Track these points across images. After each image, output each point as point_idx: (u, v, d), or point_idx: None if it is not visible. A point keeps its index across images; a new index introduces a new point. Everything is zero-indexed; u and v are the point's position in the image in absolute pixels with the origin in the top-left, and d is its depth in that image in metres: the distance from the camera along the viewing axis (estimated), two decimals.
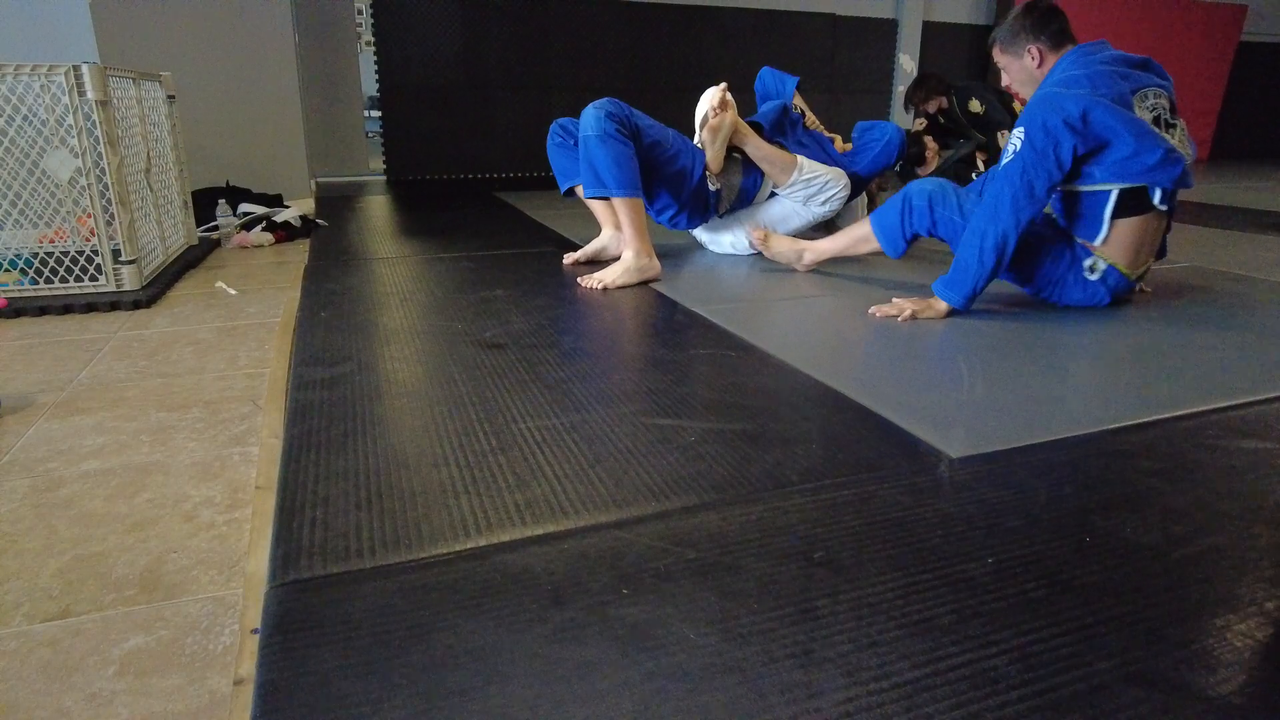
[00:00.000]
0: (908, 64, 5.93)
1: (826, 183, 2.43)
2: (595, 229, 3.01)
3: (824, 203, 2.45)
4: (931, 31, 5.97)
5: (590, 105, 2.16)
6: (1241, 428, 1.24)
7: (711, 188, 2.40)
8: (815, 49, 5.62)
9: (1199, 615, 0.78)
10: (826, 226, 2.65)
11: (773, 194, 2.49)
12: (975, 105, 4.36)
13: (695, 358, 1.53)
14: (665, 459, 1.09)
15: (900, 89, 5.94)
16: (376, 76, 4.70)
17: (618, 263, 2.15)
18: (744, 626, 0.75)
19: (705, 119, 2.36)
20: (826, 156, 2.57)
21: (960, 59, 6.17)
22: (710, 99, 2.35)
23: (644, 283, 2.14)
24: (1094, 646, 0.73)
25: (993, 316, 1.86)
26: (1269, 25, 7.16)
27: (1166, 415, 1.28)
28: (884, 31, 5.83)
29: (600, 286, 2.07)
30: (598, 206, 2.42)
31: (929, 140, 3.89)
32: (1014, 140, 1.72)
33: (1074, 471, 1.08)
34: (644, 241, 2.16)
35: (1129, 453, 1.15)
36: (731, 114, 2.34)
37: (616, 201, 2.16)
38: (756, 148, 2.40)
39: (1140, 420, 1.26)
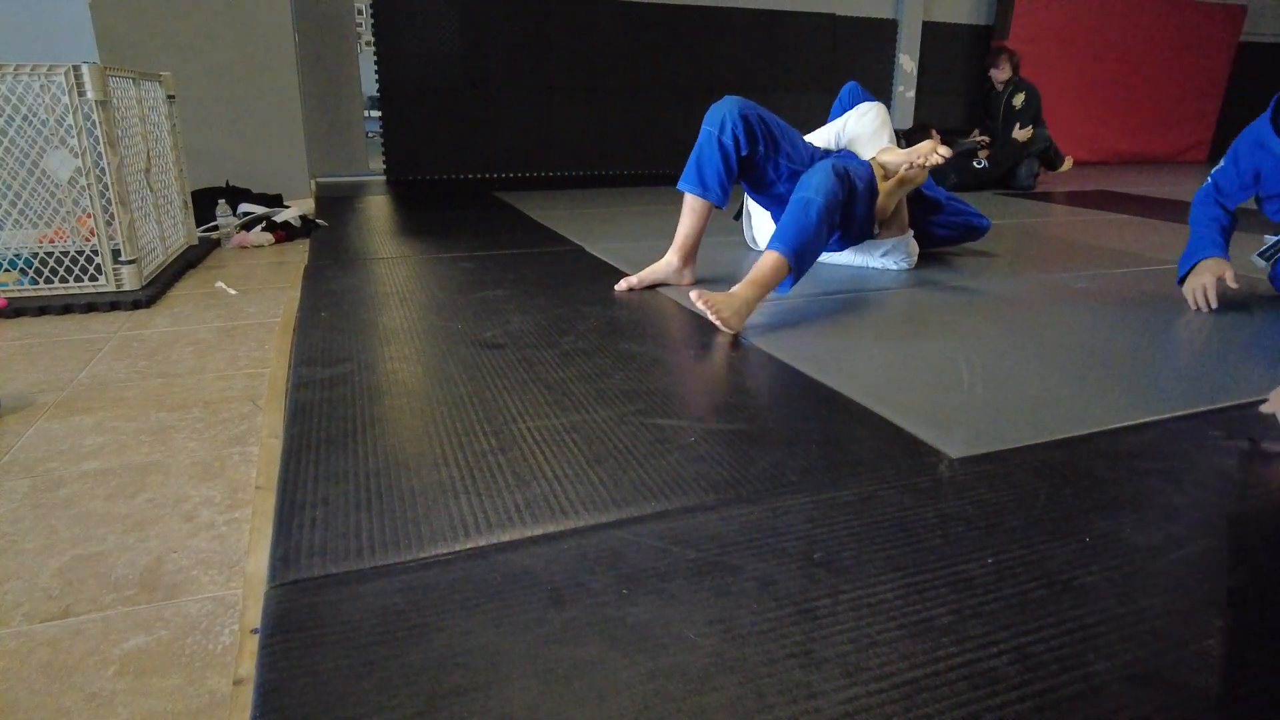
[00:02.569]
0: (908, 64, 5.92)
1: (909, 251, 2.35)
2: (595, 230, 3.02)
3: (892, 258, 2.35)
4: (931, 31, 5.96)
5: (826, 165, 1.88)
6: (1241, 428, 1.24)
7: (875, 231, 2.24)
8: (815, 49, 5.62)
9: (1199, 615, 0.78)
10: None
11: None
12: (1019, 100, 4.60)
13: (695, 358, 1.53)
14: (665, 459, 1.09)
15: (900, 89, 5.94)
16: (376, 76, 4.70)
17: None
18: (744, 626, 0.75)
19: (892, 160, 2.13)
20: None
21: (960, 59, 6.17)
22: (927, 149, 2.02)
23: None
24: (1094, 646, 0.73)
25: (992, 316, 1.86)
26: (1269, 25, 7.15)
27: (1166, 415, 1.28)
28: (884, 31, 5.82)
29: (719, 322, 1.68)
30: (688, 230, 2.07)
31: (934, 133, 3.92)
32: None
33: (1074, 471, 1.08)
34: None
35: (1129, 453, 1.15)
36: (923, 176, 2.14)
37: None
38: (902, 208, 2.26)
39: (1140, 420, 1.26)
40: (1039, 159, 4.71)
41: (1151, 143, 6.92)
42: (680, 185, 2.07)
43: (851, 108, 2.46)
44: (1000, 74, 4.74)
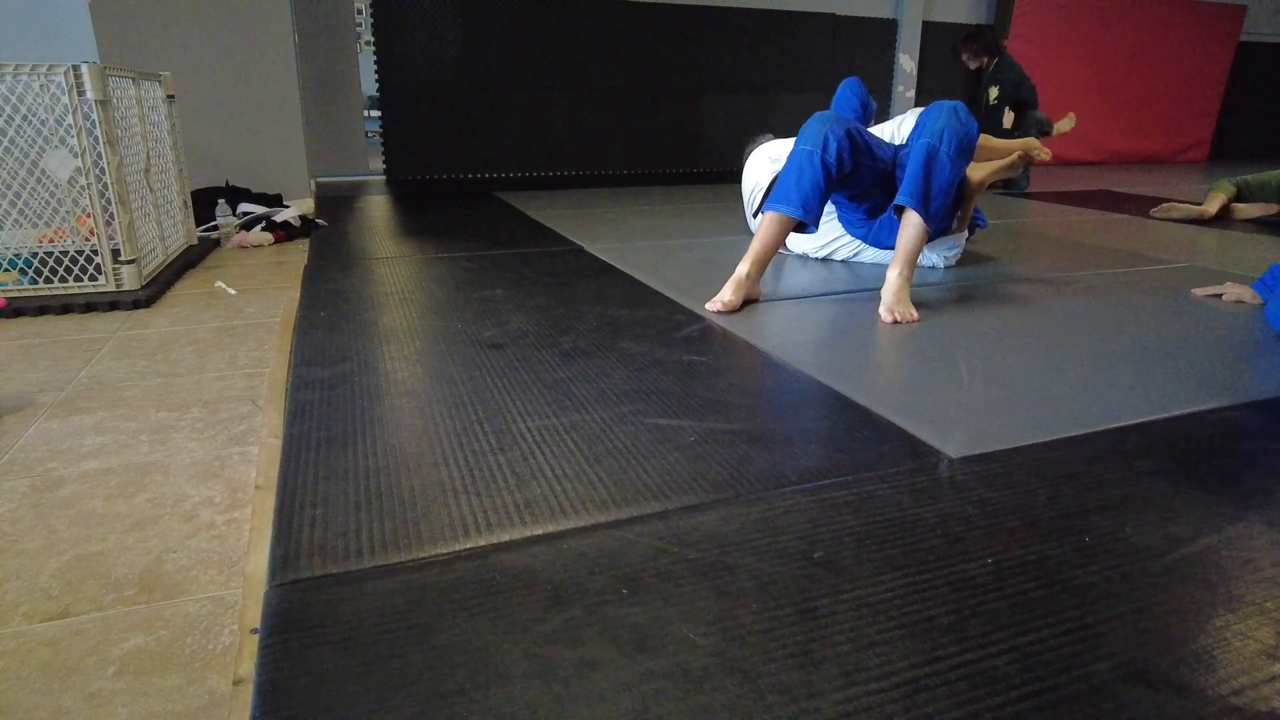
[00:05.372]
0: (907, 64, 5.92)
1: (961, 247, 2.38)
2: (595, 230, 3.01)
3: (939, 253, 2.37)
4: (931, 31, 5.96)
5: (949, 106, 1.88)
6: (1241, 428, 1.24)
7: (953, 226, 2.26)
8: (815, 49, 5.62)
9: (1199, 615, 0.78)
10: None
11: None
12: (994, 94, 4.54)
13: (696, 358, 1.53)
14: (665, 459, 1.09)
15: (900, 89, 5.94)
16: (376, 76, 4.69)
17: (893, 290, 1.85)
18: (744, 626, 0.75)
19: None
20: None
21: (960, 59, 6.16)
22: (1035, 145, 2.13)
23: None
24: (1094, 646, 0.73)
25: (992, 316, 1.86)
26: (1269, 25, 7.15)
27: (1166, 415, 1.28)
28: (884, 31, 5.82)
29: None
30: (771, 247, 1.94)
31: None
32: None
33: (1074, 471, 1.08)
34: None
35: (1129, 453, 1.15)
36: (1020, 168, 2.21)
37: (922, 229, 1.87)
38: (971, 203, 2.25)
39: (1140, 420, 1.26)
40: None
41: (1151, 143, 6.92)
42: (772, 207, 1.93)
43: (851, 101, 2.46)
44: (972, 62, 4.66)
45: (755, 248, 1.94)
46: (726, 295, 1.87)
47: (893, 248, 2.26)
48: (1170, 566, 0.86)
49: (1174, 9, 6.60)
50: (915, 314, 1.81)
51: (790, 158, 1.94)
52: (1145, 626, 0.76)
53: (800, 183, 1.90)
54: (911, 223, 1.88)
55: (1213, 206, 3.42)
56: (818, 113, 1.98)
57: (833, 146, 1.88)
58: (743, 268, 1.93)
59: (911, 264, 1.89)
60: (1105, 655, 0.72)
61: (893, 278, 1.87)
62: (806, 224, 1.93)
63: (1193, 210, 3.45)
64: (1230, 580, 0.84)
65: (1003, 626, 0.75)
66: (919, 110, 2.36)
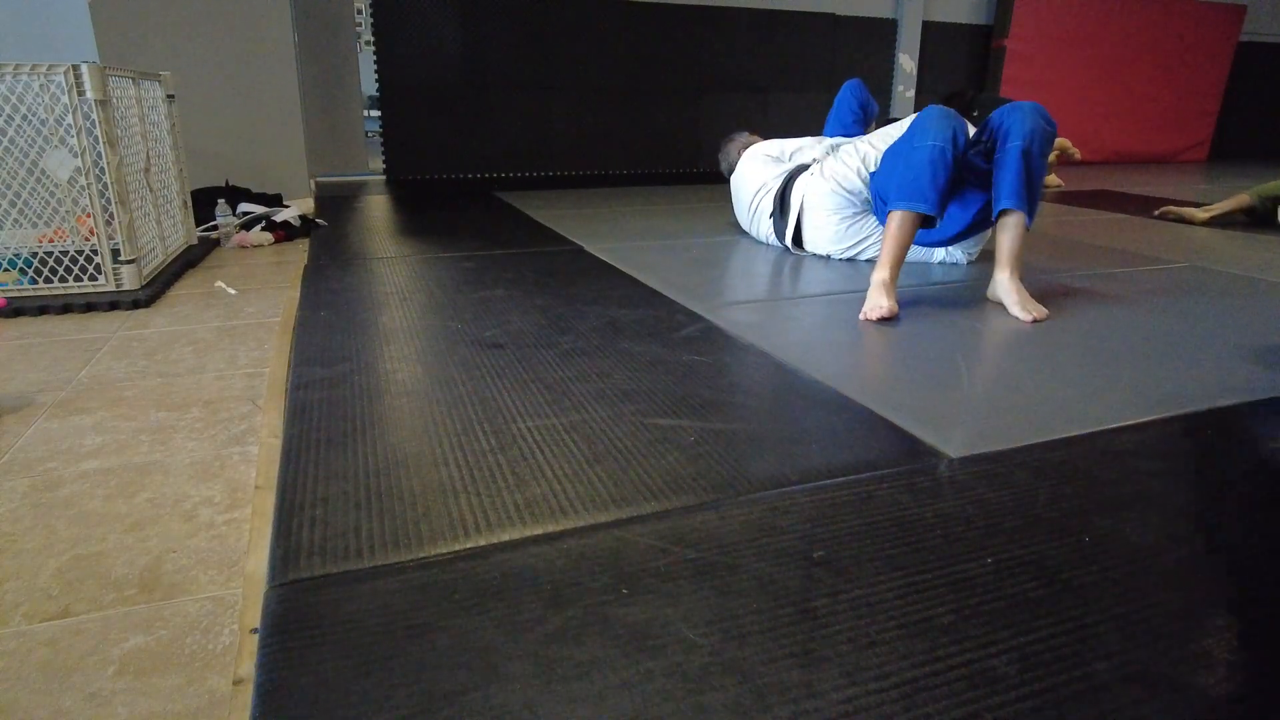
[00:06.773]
0: (907, 64, 5.92)
1: (981, 243, 2.41)
2: (595, 230, 3.01)
3: (963, 248, 2.39)
4: (931, 31, 5.96)
5: (1029, 108, 1.88)
6: (1241, 428, 1.24)
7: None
8: (815, 49, 5.62)
9: (1199, 615, 0.78)
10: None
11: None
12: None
13: (695, 357, 1.53)
14: (665, 459, 1.09)
15: (900, 89, 5.94)
16: (376, 76, 4.69)
17: (1015, 290, 1.89)
18: (744, 626, 0.75)
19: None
20: None
21: (960, 59, 6.17)
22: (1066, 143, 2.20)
23: None
24: (1094, 646, 0.73)
25: (993, 315, 1.86)
26: (1269, 25, 7.15)
27: (1166, 415, 1.28)
28: (884, 31, 5.82)
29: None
30: (905, 249, 1.94)
31: None
32: None
33: (1074, 471, 1.08)
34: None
35: (1129, 453, 1.14)
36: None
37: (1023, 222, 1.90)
38: None
39: (1140, 420, 1.26)
40: None
41: (1151, 143, 6.91)
42: (913, 207, 1.91)
43: (852, 103, 2.46)
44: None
45: (892, 252, 1.91)
46: (883, 301, 1.82)
47: (929, 245, 2.36)
48: (1170, 566, 0.86)
49: (1174, 9, 6.60)
50: (1044, 309, 1.85)
51: (920, 153, 1.91)
52: (1145, 626, 0.76)
53: (936, 180, 1.90)
54: (1017, 224, 1.91)
55: (1205, 215, 3.41)
56: (931, 106, 1.99)
57: (961, 141, 1.91)
58: (883, 273, 1.89)
59: (1020, 264, 1.92)
60: (1105, 655, 0.72)
61: (1006, 282, 1.91)
62: (932, 219, 1.96)
63: (1192, 213, 3.44)
64: (1230, 580, 0.84)
65: (1003, 626, 0.75)
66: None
